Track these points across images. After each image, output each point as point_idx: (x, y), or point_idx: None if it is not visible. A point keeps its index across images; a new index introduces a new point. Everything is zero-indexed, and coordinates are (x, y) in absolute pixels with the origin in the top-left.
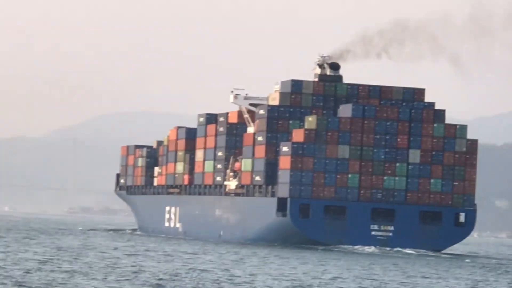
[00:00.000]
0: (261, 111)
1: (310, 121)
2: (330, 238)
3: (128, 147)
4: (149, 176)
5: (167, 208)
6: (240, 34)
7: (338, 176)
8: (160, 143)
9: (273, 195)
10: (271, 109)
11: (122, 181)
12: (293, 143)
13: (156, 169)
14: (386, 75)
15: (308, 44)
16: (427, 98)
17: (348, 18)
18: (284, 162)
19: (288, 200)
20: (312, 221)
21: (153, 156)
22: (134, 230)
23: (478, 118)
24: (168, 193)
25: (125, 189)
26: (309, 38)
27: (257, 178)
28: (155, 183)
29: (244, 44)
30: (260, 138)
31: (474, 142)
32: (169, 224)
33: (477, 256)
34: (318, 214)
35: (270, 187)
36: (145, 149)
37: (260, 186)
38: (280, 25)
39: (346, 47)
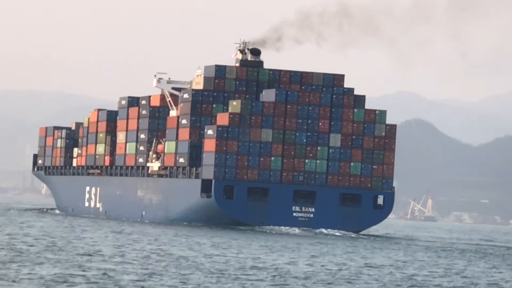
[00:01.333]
0: (185, 95)
1: (234, 105)
2: (253, 219)
3: (46, 128)
4: (69, 157)
5: (87, 188)
6: (162, 19)
7: (261, 159)
8: (78, 125)
9: (197, 176)
10: (195, 93)
11: (40, 161)
12: (218, 126)
13: (76, 150)
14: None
15: (229, 29)
16: (347, 84)
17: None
18: (209, 145)
19: (213, 181)
20: (236, 202)
21: (72, 138)
22: (52, 209)
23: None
24: (88, 174)
25: (43, 170)
26: (231, 23)
27: (181, 160)
28: (74, 164)
29: (166, 29)
30: (184, 121)
31: (393, 127)
32: (89, 204)
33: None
34: (242, 195)
35: (194, 169)
36: (64, 130)
37: (183, 168)
38: (201, 10)
39: (269, 33)
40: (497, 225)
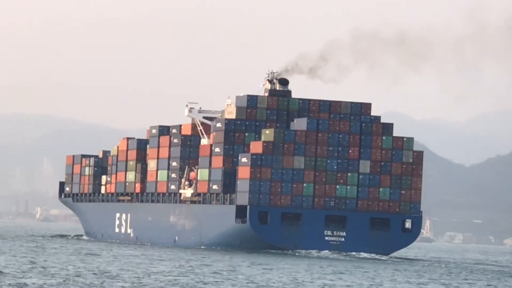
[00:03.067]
0: (218, 124)
1: (267, 134)
2: (286, 243)
3: (74, 156)
4: (97, 184)
5: (117, 214)
6: (187, 49)
7: (294, 185)
8: (106, 153)
9: (231, 202)
10: (228, 122)
11: (67, 189)
12: (252, 154)
13: (104, 178)
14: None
15: (254, 61)
16: (373, 112)
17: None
18: (243, 172)
19: (248, 207)
20: (270, 227)
21: (100, 166)
22: (79, 235)
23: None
24: (118, 201)
25: (70, 197)
26: (256, 56)
27: (214, 187)
28: (102, 191)
29: (193, 59)
30: (217, 150)
31: (419, 153)
32: (120, 230)
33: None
34: (276, 220)
35: (228, 195)
36: (92, 158)
37: (217, 195)
38: (227, 43)
39: (291, 64)
40: (491, 245)
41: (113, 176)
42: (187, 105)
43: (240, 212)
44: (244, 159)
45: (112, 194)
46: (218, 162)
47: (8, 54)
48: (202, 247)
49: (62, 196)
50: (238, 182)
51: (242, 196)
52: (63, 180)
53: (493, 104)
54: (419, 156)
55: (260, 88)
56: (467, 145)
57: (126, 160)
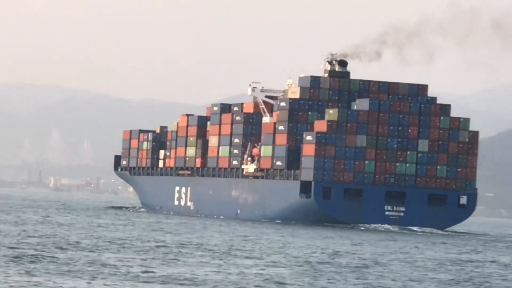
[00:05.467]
0: (283, 103)
1: (331, 113)
2: (349, 217)
3: (131, 131)
4: (156, 158)
5: (177, 188)
6: (244, 31)
7: (356, 163)
8: (163, 128)
9: (295, 178)
10: (292, 101)
11: (124, 162)
12: (317, 133)
13: (162, 152)
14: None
15: (313, 41)
16: (430, 93)
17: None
18: (308, 150)
19: (312, 183)
20: (333, 202)
21: (158, 141)
22: (135, 207)
23: None
24: (178, 175)
25: (127, 170)
26: (315, 37)
27: (278, 163)
28: (161, 165)
29: (253, 40)
30: (281, 128)
31: (475, 133)
32: (179, 202)
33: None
34: (339, 196)
35: (292, 171)
36: (150, 133)
37: (281, 170)
38: (283, 25)
39: (352, 47)
40: (502, 218)
41: (173, 151)
42: (250, 85)
43: (305, 187)
44: (309, 137)
45: (171, 168)
46: (282, 139)
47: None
48: (263, 220)
49: (118, 170)
50: (302, 159)
51: (307, 172)
52: (119, 154)
53: (498, 78)
54: (474, 136)
55: (320, 69)
56: (477, 119)
57: (186, 136)
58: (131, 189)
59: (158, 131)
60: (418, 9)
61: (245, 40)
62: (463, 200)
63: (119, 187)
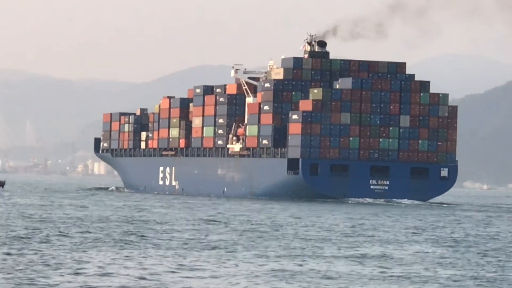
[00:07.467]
0: (267, 84)
1: (316, 93)
2: (336, 192)
3: (111, 114)
4: (137, 140)
5: (161, 168)
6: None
7: (341, 139)
8: (143, 111)
9: (282, 156)
10: (276, 82)
11: (105, 144)
12: (303, 111)
13: (144, 134)
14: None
15: (289, 24)
16: (408, 71)
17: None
18: (295, 128)
19: (300, 160)
20: (320, 178)
21: (139, 123)
22: (118, 188)
23: None
24: (161, 155)
25: (109, 152)
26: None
27: (264, 141)
28: (143, 147)
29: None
30: (266, 107)
31: (454, 108)
32: (164, 182)
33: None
34: (325, 171)
35: (278, 149)
36: (132, 116)
37: (267, 149)
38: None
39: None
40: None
41: (155, 133)
42: (233, 67)
43: (292, 164)
44: (295, 116)
45: (154, 149)
46: (267, 119)
47: None
48: (249, 197)
49: (100, 152)
50: (289, 137)
51: (294, 150)
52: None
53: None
54: (453, 111)
55: (300, 50)
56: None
57: (169, 118)
58: (79, 169)
59: (138, 113)
60: None
61: (225, 22)
62: (444, 172)
63: (67, 167)
